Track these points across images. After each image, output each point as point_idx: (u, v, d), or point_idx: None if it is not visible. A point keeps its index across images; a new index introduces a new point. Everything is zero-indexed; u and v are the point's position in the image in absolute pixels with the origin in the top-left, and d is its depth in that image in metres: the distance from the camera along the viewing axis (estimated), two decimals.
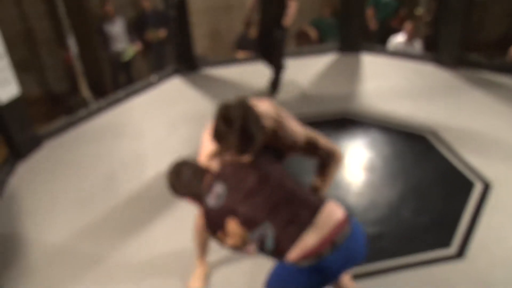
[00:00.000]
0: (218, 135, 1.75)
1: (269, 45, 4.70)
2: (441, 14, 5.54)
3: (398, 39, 6.01)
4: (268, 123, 1.84)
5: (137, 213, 3.28)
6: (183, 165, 1.97)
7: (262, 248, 1.79)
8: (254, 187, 1.79)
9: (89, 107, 4.95)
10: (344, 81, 5.22)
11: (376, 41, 6.42)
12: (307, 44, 6.66)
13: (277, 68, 4.84)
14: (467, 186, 3.35)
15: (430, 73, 5.27)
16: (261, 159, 1.88)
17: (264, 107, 1.90)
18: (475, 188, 3.32)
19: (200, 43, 6.92)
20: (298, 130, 1.97)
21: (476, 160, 3.61)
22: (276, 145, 1.94)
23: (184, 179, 1.92)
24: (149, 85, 5.32)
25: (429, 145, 3.90)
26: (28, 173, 3.83)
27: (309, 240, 1.70)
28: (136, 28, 6.56)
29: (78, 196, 3.51)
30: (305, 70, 5.52)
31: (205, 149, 2.08)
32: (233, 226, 1.75)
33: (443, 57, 5.36)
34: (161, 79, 5.46)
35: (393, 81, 5.11)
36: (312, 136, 2.00)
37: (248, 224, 1.75)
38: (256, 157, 1.86)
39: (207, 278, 2.67)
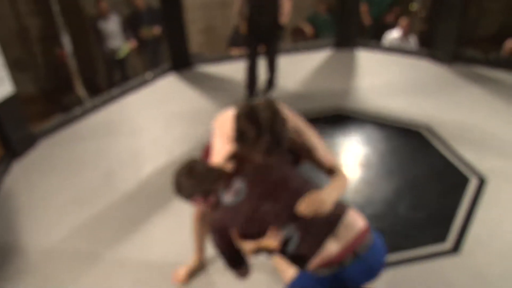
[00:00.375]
0: (243, 136, 1.69)
1: (267, 43, 4.67)
2: (437, 9, 5.55)
3: (393, 35, 6.01)
4: (290, 127, 1.81)
5: (134, 211, 3.28)
6: (195, 162, 1.92)
7: (283, 250, 1.74)
8: (277, 187, 1.75)
9: (84, 105, 4.93)
10: (339, 77, 5.22)
11: (371, 37, 6.42)
12: (302, 40, 6.65)
13: (274, 66, 4.83)
14: (463, 181, 3.37)
15: (425, 68, 5.28)
16: (282, 161, 1.85)
17: (285, 111, 1.86)
18: (470, 183, 3.33)
19: (195, 40, 6.90)
20: (314, 140, 1.93)
21: (471, 155, 3.62)
22: (293, 151, 1.91)
23: (198, 175, 1.86)
24: (144, 83, 5.30)
25: (425, 140, 3.91)
26: (24, 172, 3.82)
27: (331, 248, 1.67)
28: (131, 26, 6.52)
29: (74, 194, 3.50)
30: (300, 66, 5.52)
31: (218, 150, 1.99)
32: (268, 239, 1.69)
33: (439, 53, 5.37)
34: (156, 76, 5.45)
35: (388, 77, 5.12)
36: (322, 149, 1.94)
37: (272, 223, 1.71)
38: (277, 159, 1.82)
39: (194, 273, 2.68)
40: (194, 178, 1.85)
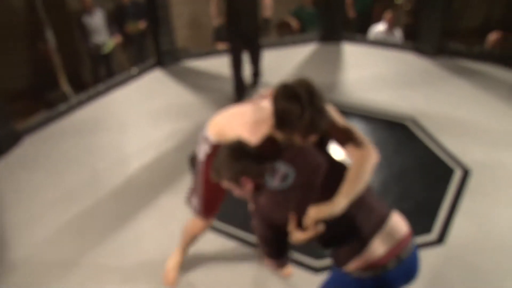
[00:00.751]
0: (286, 117, 1.65)
1: (249, 43, 4.57)
2: (421, 2, 5.58)
3: (379, 28, 6.04)
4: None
5: (121, 208, 3.26)
6: (245, 145, 1.79)
7: (327, 243, 1.71)
8: (319, 174, 1.69)
9: (69, 101, 4.88)
10: (325, 71, 5.24)
11: (356, 30, 6.44)
12: (288, 34, 6.65)
13: (258, 59, 4.80)
14: (447, 173, 3.41)
15: (410, 61, 5.32)
16: (316, 146, 1.81)
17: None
18: (455, 174, 3.38)
19: (181, 35, 6.85)
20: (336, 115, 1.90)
21: (456, 147, 3.67)
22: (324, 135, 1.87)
23: (245, 159, 1.75)
24: (129, 78, 5.26)
25: (410, 133, 3.95)
26: (8, 169, 3.77)
27: (377, 250, 1.62)
28: (115, 20, 6.46)
29: (60, 192, 3.47)
30: (286, 61, 5.52)
31: (243, 134, 1.89)
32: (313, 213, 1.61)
33: (423, 46, 5.41)
34: (142, 72, 5.41)
35: (373, 70, 5.15)
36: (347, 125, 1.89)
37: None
38: (313, 143, 1.78)
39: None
40: (244, 159, 1.76)
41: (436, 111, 4.20)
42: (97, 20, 6.16)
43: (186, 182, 3.47)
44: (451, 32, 5.93)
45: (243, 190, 1.77)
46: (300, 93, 1.63)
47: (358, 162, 1.72)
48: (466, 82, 4.74)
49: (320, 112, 1.66)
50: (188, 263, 2.71)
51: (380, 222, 1.65)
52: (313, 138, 1.75)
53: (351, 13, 6.61)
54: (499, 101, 4.32)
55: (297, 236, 1.62)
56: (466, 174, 3.36)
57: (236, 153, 1.75)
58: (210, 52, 5.87)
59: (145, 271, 2.72)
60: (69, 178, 3.62)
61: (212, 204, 2.30)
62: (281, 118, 1.67)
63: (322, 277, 2.57)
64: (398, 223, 1.69)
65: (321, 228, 1.58)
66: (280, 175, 1.71)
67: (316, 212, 1.58)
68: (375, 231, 1.63)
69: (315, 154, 1.76)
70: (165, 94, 4.90)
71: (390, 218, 1.68)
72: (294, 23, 6.81)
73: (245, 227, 2.94)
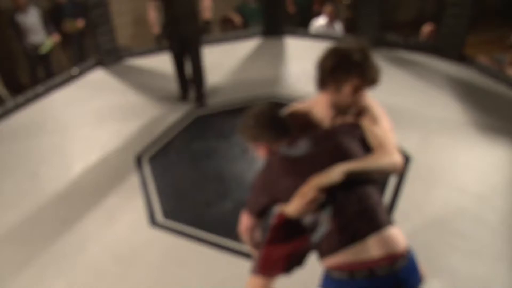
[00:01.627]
0: (343, 59, 1.73)
1: (189, 49, 4.32)
2: None
3: (320, 22, 6.17)
4: None
5: (65, 212, 3.17)
6: (273, 111, 1.86)
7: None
8: (337, 154, 1.67)
9: (5, 104, 4.67)
10: (269, 65, 5.30)
11: (298, 24, 6.56)
12: (231, 30, 6.67)
13: (201, 76, 4.45)
14: None
15: None
16: (346, 132, 1.79)
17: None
18: None
19: (125, 33, 6.71)
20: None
21: (396, 134, 3.82)
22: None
23: (264, 126, 1.81)
24: (70, 79, 5.11)
25: None
26: None
27: (369, 249, 1.56)
28: (52, 19, 6.21)
29: None
30: (230, 56, 5.54)
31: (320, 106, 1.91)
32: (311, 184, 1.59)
33: (362, 38, 5.57)
34: (83, 72, 5.26)
35: (315, 63, 5.25)
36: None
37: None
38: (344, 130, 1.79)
39: None
40: (263, 126, 1.82)
41: (375, 100, 4.35)
42: (32, 18, 5.90)
43: (132, 182, 3.43)
44: (388, 25, 6.17)
45: (258, 152, 1.86)
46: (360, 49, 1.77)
47: (376, 154, 1.73)
48: (403, 71, 4.95)
49: (371, 64, 1.74)
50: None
51: (379, 225, 1.60)
52: (363, 91, 1.79)
53: (291, 8, 6.72)
54: (433, 89, 4.55)
55: (294, 203, 1.61)
56: (406, 160, 3.52)
57: (260, 118, 1.83)
58: (153, 49, 5.78)
59: (92, 274, 2.67)
60: (7, 184, 3.48)
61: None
62: (338, 62, 1.74)
63: None
64: (399, 235, 1.63)
65: (320, 195, 1.57)
66: (297, 145, 1.74)
67: (315, 180, 1.58)
68: (372, 230, 1.58)
69: (346, 141, 1.73)
70: (108, 94, 4.79)
71: (391, 227, 1.63)
72: (237, 18, 6.84)
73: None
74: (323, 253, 1.63)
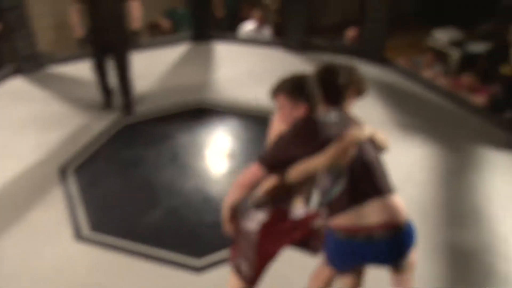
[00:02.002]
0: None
1: (115, 56, 4.15)
2: (286, 1, 5.89)
3: (248, 27, 6.23)
4: None
5: None
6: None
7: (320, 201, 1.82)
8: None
9: None
10: (198, 71, 5.27)
11: (226, 29, 6.57)
12: (159, 35, 6.56)
13: (127, 80, 4.30)
14: None
15: (279, 57, 5.58)
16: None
17: None
18: None
19: (46, 37, 6.38)
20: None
21: None
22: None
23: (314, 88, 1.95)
24: None
25: None
26: None
27: (369, 214, 1.70)
28: None
29: None
30: (158, 62, 5.45)
31: None
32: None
33: (290, 42, 5.72)
34: None
35: (245, 67, 5.31)
36: None
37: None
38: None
39: None
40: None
41: None
42: None
43: (55, 195, 3.27)
44: (314, 28, 6.34)
45: (293, 112, 1.90)
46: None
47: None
48: None
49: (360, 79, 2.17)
50: None
51: (380, 190, 1.75)
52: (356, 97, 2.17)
53: (219, 12, 6.72)
54: None
55: (329, 153, 1.72)
56: None
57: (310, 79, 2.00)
58: (77, 55, 5.53)
59: None
60: None
61: (262, 273, 2.08)
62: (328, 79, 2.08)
63: (205, 276, 2.61)
64: (400, 204, 1.76)
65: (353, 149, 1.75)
66: (328, 112, 1.89)
67: (353, 134, 1.78)
68: (376, 194, 1.73)
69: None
70: (27, 104, 4.52)
71: (392, 195, 1.77)
72: (165, 23, 6.74)
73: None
74: (332, 212, 1.77)
